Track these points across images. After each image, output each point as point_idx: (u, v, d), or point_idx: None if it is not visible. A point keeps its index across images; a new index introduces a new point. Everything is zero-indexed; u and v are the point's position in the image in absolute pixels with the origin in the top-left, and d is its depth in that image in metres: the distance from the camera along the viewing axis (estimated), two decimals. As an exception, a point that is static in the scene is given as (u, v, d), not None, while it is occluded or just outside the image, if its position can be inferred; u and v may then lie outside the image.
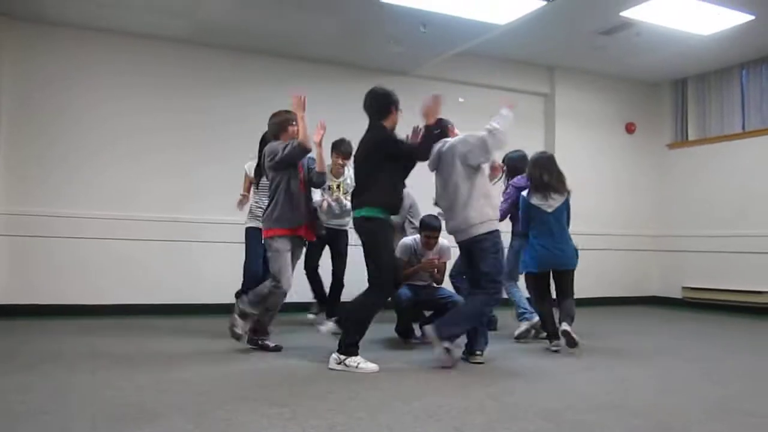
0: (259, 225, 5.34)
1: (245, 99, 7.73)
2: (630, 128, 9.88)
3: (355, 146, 4.90)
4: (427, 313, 5.79)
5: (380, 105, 4.74)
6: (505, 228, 5.57)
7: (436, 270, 5.58)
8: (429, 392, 3.79)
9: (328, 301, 6.38)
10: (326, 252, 6.43)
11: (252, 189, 6.06)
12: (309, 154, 5.08)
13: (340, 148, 6.24)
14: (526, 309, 6.02)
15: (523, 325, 5.93)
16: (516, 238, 6.03)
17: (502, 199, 5.96)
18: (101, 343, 5.30)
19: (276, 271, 4.81)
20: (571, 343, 5.01)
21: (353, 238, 5.00)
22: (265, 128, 7.58)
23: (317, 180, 5.22)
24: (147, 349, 5.07)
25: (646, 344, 5.91)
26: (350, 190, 5.30)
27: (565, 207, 5.55)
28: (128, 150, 7.28)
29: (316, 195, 5.84)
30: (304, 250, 5.48)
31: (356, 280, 5.13)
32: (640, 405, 3.53)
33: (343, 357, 4.33)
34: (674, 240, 9.56)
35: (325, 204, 6.02)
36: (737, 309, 8.40)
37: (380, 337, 5.84)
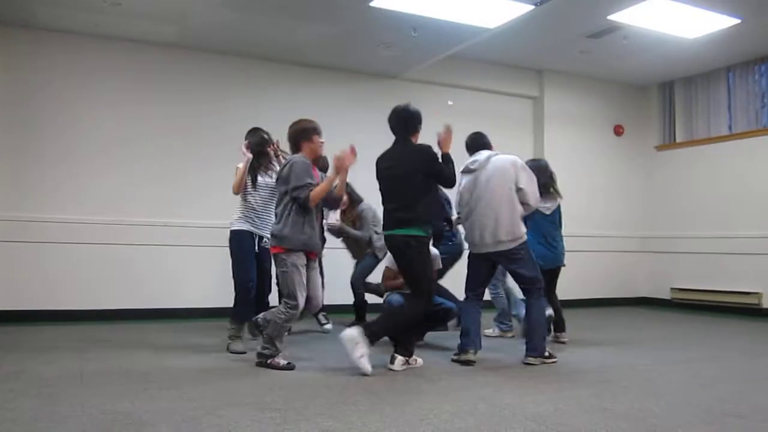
0: (252, 228, 5.27)
1: (237, 103, 7.74)
2: (618, 131, 9.94)
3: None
4: None
5: (413, 123, 4.89)
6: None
7: None
8: (420, 396, 3.80)
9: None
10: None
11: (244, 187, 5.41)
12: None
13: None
14: (505, 323, 6.35)
15: (495, 332, 6.29)
16: None
17: None
18: (92, 349, 5.29)
19: (292, 288, 4.45)
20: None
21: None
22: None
23: (334, 204, 5.19)
24: (138, 354, 5.06)
25: (635, 346, 5.94)
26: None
27: (558, 209, 6.02)
28: (120, 155, 7.26)
29: (331, 216, 6.15)
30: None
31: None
32: (627, 408, 3.55)
33: (405, 357, 4.62)
34: (662, 241, 9.63)
35: (337, 224, 6.32)
36: (725, 310, 8.47)
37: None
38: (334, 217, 6.36)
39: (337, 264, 6.78)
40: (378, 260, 6.54)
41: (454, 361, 4.84)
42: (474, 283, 5.05)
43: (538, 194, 5.00)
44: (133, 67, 7.40)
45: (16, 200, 6.86)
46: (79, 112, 7.14)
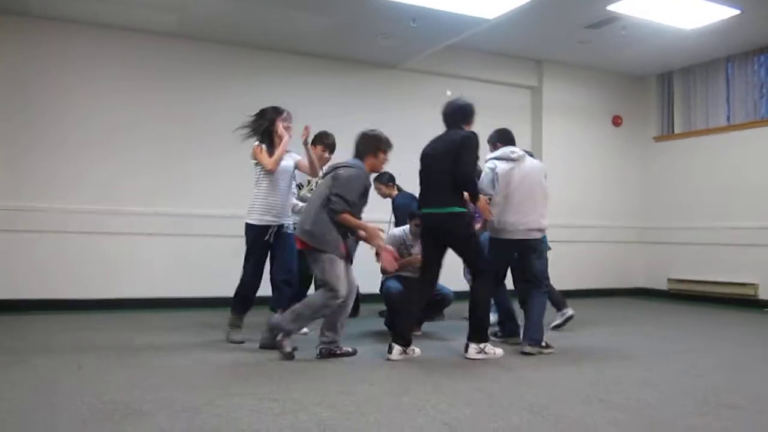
0: (271, 221, 5.07)
1: (235, 92, 7.72)
2: (617, 121, 9.94)
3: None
4: None
5: (462, 114, 4.91)
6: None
7: None
8: (417, 386, 3.82)
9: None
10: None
11: (265, 177, 5.17)
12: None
13: (325, 141, 5.73)
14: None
15: None
16: None
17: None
18: (88, 338, 5.30)
19: (333, 281, 4.42)
20: None
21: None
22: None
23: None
24: (134, 344, 5.07)
25: (631, 337, 5.96)
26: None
27: None
28: (115, 144, 7.24)
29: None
30: None
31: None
32: (624, 398, 3.57)
33: (483, 345, 4.64)
34: (659, 232, 9.65)
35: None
36: (721, 301, 8.50)
37: (369, 330, 5.89)
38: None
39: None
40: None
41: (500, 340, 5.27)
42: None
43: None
44: (131, 56, 7.37)
45: (11, 189, 6.84)
46: (75, 101, 7.12)
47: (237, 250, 5.40)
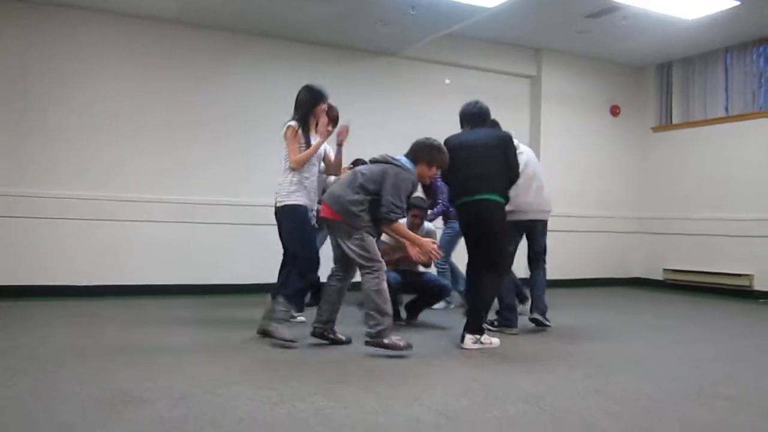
0: (307, 202, 4.75)
1: (235, 80, 7.75)
2: (615, 111, 9.93)
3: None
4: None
5: (488, 115, 5.16)
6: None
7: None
8: (413, 376, 3.85)
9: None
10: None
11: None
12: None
13: (329, 114, 5.22)
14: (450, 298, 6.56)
15: (441, 305, 6.48)
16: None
17: None
18: (87, 324, 5.32)
19: (374, 252, 4.35)
20: None
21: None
22: (256, 107, 7.61)
23: None
24: (134, 331, 5.09)
25: (627, 327, 6.00)
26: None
27: None
28: (116, 131, 7.22)
29: None
30: None
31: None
32: (620, 390, 3.60)
33: (478, 336, 4.66)
34: (657, 222, 9.68)
35: None
36: (717, 291, 8.54)
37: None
38: None
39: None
40: None
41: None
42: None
43: None
44: (133, 43, 7.33)
45: (11, 175, 6.82)
46: (76, 87, 7.08)
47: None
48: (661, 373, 4.09)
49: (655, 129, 9.92)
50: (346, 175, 4.67)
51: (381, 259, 4.36)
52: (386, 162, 4.46)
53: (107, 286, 7.02)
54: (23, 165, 6.87)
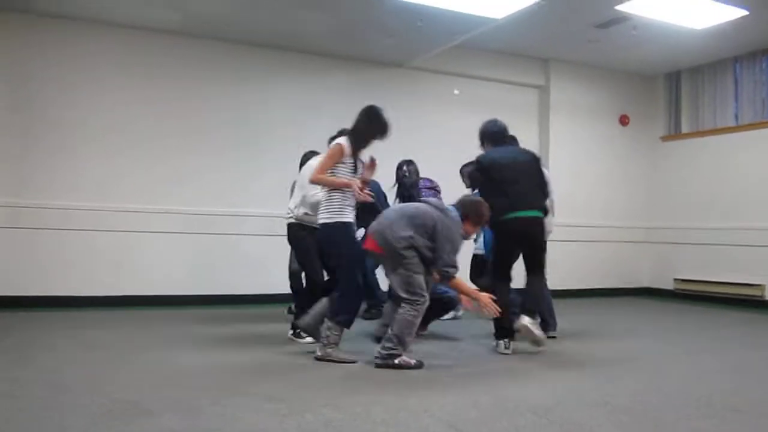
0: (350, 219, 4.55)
1: (239, 91, 7.78)
2: (624, 120, 9.91)
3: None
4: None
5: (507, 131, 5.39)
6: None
7: None
8: (423, 388, 3.83)
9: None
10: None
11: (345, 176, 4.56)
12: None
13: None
14: None
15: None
16: None
17: None
18: (93, 335, 5.33)
19: (420, 287, 4.38)
20: None
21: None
22: (259, 118, 7.62)
23: None
24: (140, 342, 5.10)
25: (637, 337, 5.97)
26: None
27: None
28: (118, 141, 7.25)
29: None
30: None
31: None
32: (629, 401, 3.58)
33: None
34: (666, 232, 9.63)
35: None
36: (728, 301, 8.48)
37: (369, 331, 5.90)
38: None
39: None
40: None
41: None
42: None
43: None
44: (134, 54, 7.38)
45: (13, 186, 6.85)
46: (78, 99, 7.12)
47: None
48: (671, 384, 4.07)
49: (665, 138, 9.89)
50: (392, 211, 4.67)
51: (425, 295, 4.39)
52: (438, 209, 4.54)
53: (112, 297, 7.04)
54: (26, 176, 6.91)
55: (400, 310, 4.35)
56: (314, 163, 5.12)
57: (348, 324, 4.48)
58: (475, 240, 5.99)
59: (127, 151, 7.29)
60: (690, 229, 9.22)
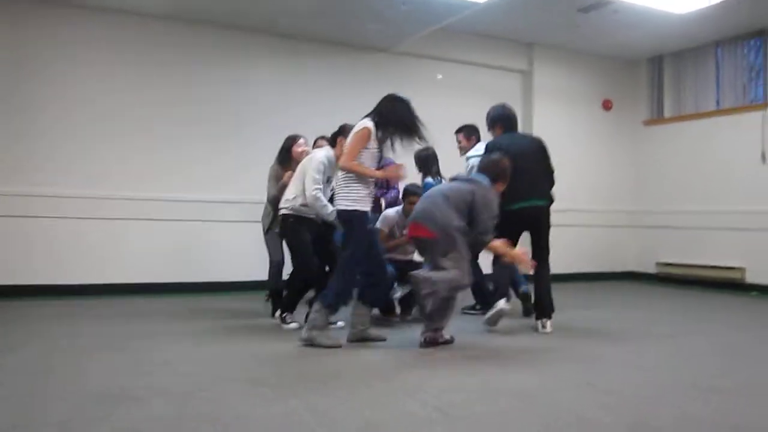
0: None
1: (226, 77, 7.73)
2: (607, 105, 9.95)
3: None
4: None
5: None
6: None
7: None
8: (409, 371, 3.85)
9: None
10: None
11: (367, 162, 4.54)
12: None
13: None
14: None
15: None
16: None
17: None
18: (80, 324, 5.30)
19: (466, 268, 4.50)
20: None
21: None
22: (245, 104, 7.60)
23: None
24: (127, 329, 5.07)
25: (620, 320, 6.02)
26: None
27: None
28: (108, 128, 7.18)
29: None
30: None
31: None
32: (613, 383, 3.61)
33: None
34: (649, 216, 9.71)
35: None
36: (709, 284, 8.58)
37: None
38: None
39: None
40: None
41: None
42: None
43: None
44: (124, 40, 7.29)
45: (2, 174, 6.77)
46: (67, 84, 7.03)
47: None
48: (655, 366, 4.11)
49: (647, 123, 9.94)
50: (433, 196, 4.61)
51: (468, 278, 4.50)
52: (472, 182, 4.66)
53: (100, 285, 7.00)
54: (15, 164, 6.82)
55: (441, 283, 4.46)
56: (319, 155, 5.07)
57: (334, 309, 4.51)
58: None
59: (116, 138, 7.21)
60: (671, 213, 9.30)
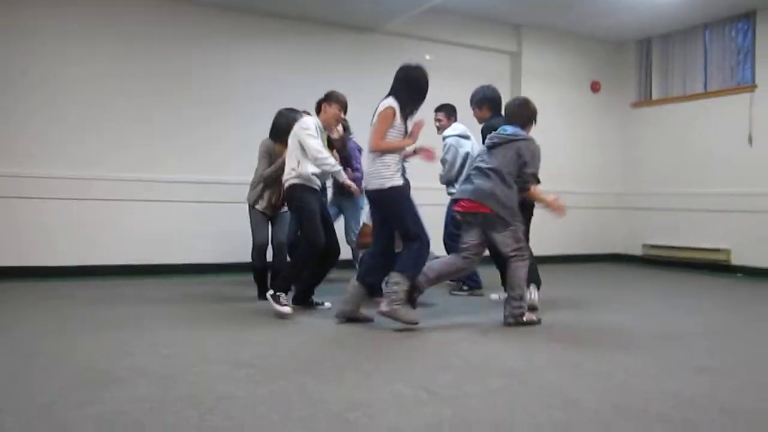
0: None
1: (215, 59, 7.64)
2: (595, 87, 9.94)
3: None
4: None
5: None
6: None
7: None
8: (396, 352, 3.85)
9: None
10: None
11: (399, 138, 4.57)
12: None
13: (342, 99, 5.14)
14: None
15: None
16: None
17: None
18: (66, 305, 5.26)
19: (523, 238, 4.77)
20: None
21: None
22: (237, 85, 7.50)
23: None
24: (112, 311, 5.03)
25: (606, 302, 6.03)
26: None
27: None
28: (98, 109, 7.08)
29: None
30: None
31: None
32: (599, 364, 3.62)
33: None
34: (636, 198, 9.74)
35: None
36: (695, 266, 8.63)
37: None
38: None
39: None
40: None
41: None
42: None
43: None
44: (113, 20, 7.16)
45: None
46: (56, 64, 6.90)
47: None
48: (641, 346, 4.13)
49: (635, 105, 9.95)
50: (484, 173, 4.65)
51: (526, 244, 4.71)
52: (513, 140, 4.69)
53: (89, 266, 6.94)
54: (4, 144, 6.71)
55: (515, 272, 4.60)
56: (308, 120, 4.95)
57: (415, 279, 4.49)
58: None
59: (105, 119, 7.10)
60: (659, 195, 9.34)
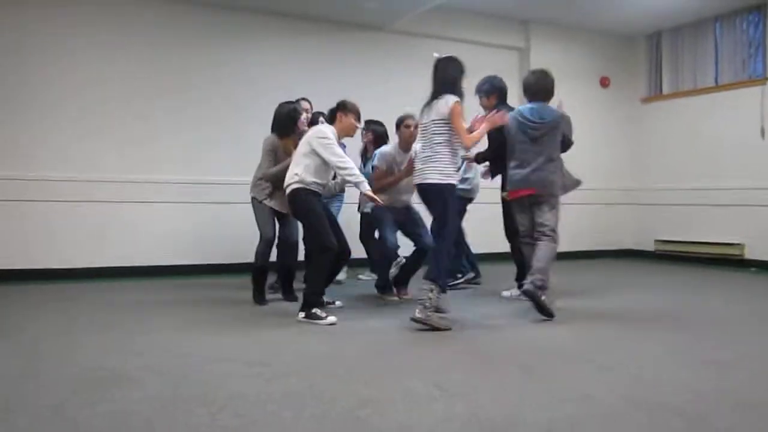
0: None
1: (220, 59, 7.61)
2: (604, 82, 9.88)
3: None
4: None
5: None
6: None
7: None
8: (408, 348, 3.84)
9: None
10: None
11: (455, 139, 4.58)
12: None
13: (358, 110, 5.04)
14: None
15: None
16: None
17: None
18: (75, 307, 5.26)
19: (557, 222, 5.10)
20: None
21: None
22: (246, 85, 7.49)
23: None
24: (121, 312, 5.03)
25: (619, 297, 5.98)
26: None
27: None
28: (103, 111, 7.07)
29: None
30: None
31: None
32: (612, 358, 3.59)
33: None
34: (647, 193, 9.67)
35: None
36: (708, 261, 8.55)
37: (359, 293, 5.89)
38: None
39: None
40: None
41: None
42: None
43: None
44: (119, 23, 7.18)
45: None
46: (60, 68, 6.91)
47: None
48: (653, 340, 4.09)
49: (645, 100, 9.88)
50: (535, 162, 5.01)
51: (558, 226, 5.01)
52: (555, 126, 5.05)
53: (94, 269, 6.94)
54: (9, 148, 6.73)
55: (547, 252, 4.84)
56: (326, 129, 4.84)
57: (445, 285, 4.48)
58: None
59: (110, 122, 7.10)
60: (670, 190, 9.26)
